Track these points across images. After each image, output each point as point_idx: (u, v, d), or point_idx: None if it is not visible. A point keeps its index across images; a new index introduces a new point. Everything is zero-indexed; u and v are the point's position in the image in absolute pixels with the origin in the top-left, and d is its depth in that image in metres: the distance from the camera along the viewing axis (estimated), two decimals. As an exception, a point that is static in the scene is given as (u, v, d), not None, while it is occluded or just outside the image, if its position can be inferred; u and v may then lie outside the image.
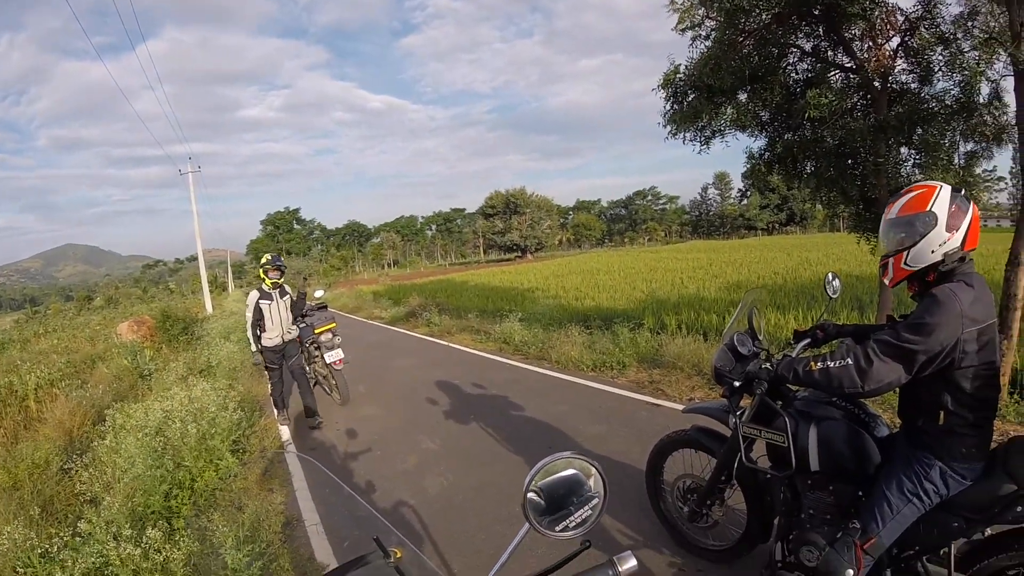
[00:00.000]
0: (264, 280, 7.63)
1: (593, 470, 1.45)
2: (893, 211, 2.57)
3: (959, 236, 2.43)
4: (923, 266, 2.51)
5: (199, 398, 6.86)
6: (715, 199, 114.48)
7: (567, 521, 1.41)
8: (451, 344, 13.71)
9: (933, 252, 2.46)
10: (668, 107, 8.05)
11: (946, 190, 2.46)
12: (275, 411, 8.17)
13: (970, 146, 7.05)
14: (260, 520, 4.78)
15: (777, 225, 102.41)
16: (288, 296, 7.80)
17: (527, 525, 1.38)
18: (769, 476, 3.20)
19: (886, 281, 2.69)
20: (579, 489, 1.44)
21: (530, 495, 1.38)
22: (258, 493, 5.51)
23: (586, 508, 1.43)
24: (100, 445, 6.03)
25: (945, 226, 2.43)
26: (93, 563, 3.83)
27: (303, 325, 8.33)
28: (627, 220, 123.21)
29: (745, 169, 8.74)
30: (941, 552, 2.64)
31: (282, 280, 7.76)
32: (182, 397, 6.90)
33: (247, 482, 5.71)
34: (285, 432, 7.71)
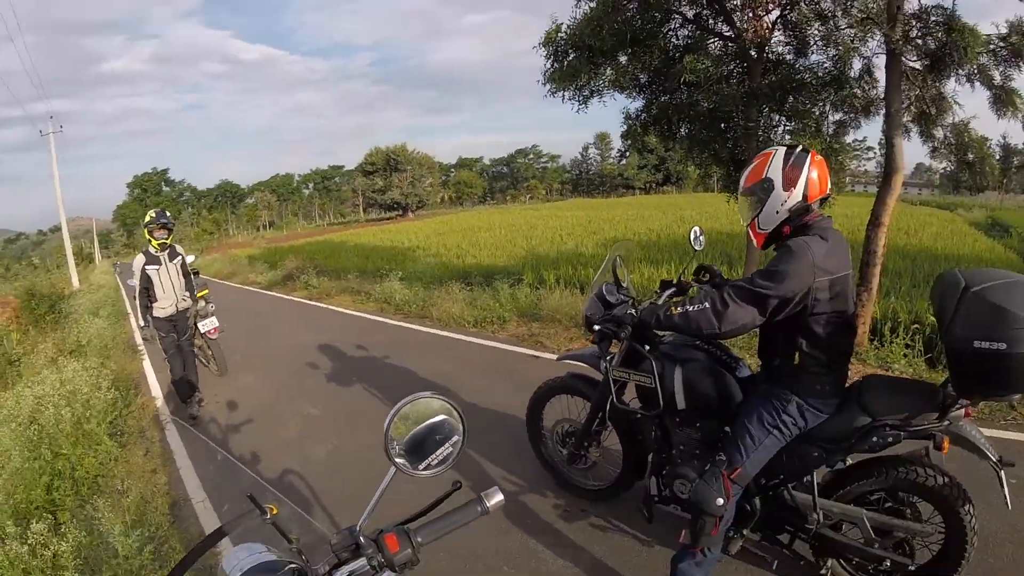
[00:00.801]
0: (150, 242, 6.63)
1: (451, 408, 1.49)
2: (742, 183, 2.78)
3: (799, 191, 2.61)
4: (773, 226, 2.70)
5: (71, 380, 6.46)
6: (595, 159, 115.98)
7: (429, 459, 1.46)
8: (331, 306, 13.48)
9: (778, 212, 2.66)
10: (548, 65, 8.08)
11: (779, 153, 2.66)
12: (184, 403, 6.98)
13: (839, 116, 7.48)
14: (146, 503, 4.60)
15: (654, 185, 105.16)
16: (180, 258, 6.85)
17: (393, 468, 1.42)
18: (640, 416, 3.39)
19: (755, 245, 2.89)
20: (439, 428, 1.48)
21: (391, 437, 1.41)
22: (142, 475, 5.27)
23: (447, 446, 1.48)
24: (-29, 442, 5.57)
25: (782, 186, 2.61)
26: (-20, 568, 3.59)
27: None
28: (509, 178, 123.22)
29: (623, 129, 8.94)
30: (805, 480, 2.89)
31: (170, 240, 6.77)
32: (53, 380, 6.48)
33: (129, 465, 5.45)
34: (164, 409, 7.28)
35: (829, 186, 2.72)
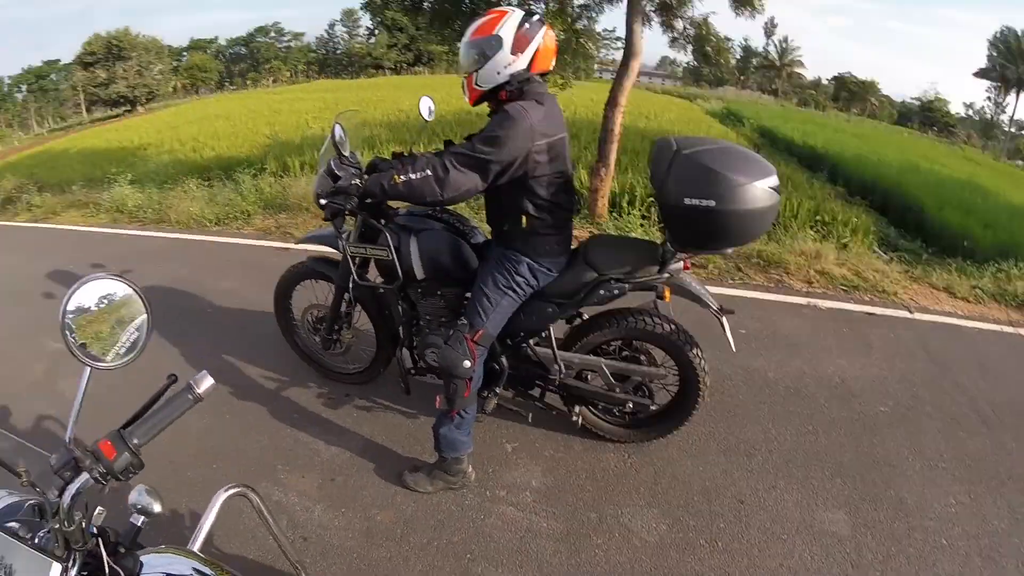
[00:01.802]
0: None
1: (125, 286, 1.40)
2: (468, 34, 2.68)
3: (525, 58, 2.60)
4: (491, 86, 2.67)
5: None
6: (343, 37, 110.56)
7: (117, 347, 1.36)
8: (58, 225, 11.95)
9: (499, 73, 2.62)
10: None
11: (516, 15, 2.60)
12: None
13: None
14: None
15: (405, 65, 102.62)
16: None
17: (86, 369, 1.31)
18: (383, 291, 3.37)
19: (466, 99, 2.84)
20: (120, 311, 1.38)
21: (66, 331, 1.30)
22: None
23: (130, 329, 1.39)
24: None
25: (510, 49, 2.57)
26: None
27: None
28: (249, 60, 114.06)
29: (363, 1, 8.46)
30: (544, 335, 3.09)
31: None
32: None
33: None
34: None
35: (552, 64, 2.73)
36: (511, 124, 2.50)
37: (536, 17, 2.66)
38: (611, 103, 6.97)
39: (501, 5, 7.01)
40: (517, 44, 2.58)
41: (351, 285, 3.42)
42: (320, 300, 3.91)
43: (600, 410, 3.39)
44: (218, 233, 8.33)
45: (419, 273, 3.10)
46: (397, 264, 3.07)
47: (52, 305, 5.98)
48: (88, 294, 1.34)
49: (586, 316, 3.20)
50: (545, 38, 2.65)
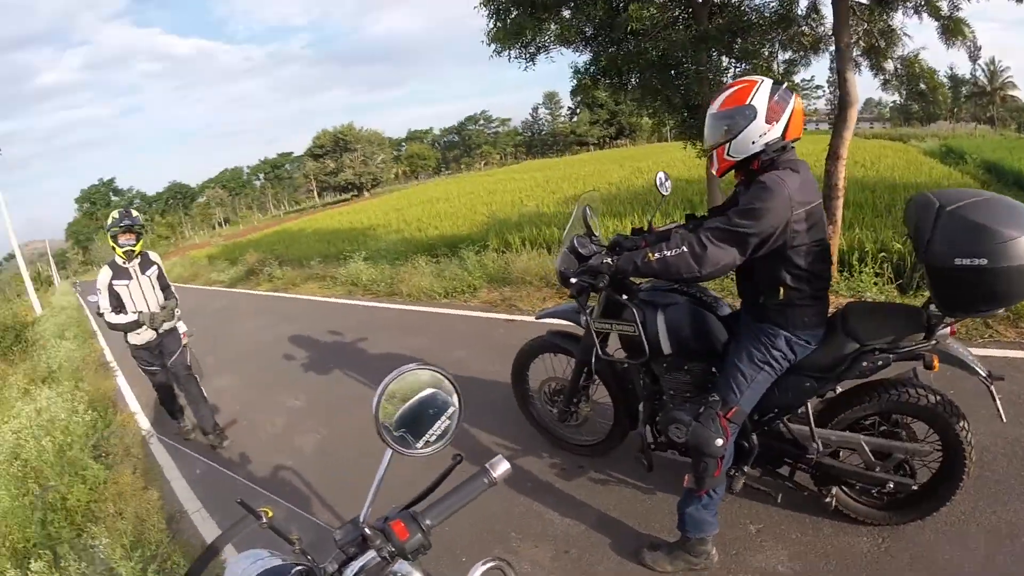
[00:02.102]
0: (115, 250, 5.26)
1: (442, 377, 1.41)
2: (715, 105, 2.70)
3: (779, 127, 2.58)
4: (745, 156, 2.65)
5: (46, 408, 6.16)
6: (546, 118, 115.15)
7: (427, 436, 1.38)
8: (298, 295, 13.31)
9: (754, 143, 2.60)
10: (491, 25, 7.96)
11: (766, 84, 2.59)
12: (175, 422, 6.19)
13: (788, 55, 7.47)
14: (143, 522, 4.46)
15: (608, 139, 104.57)
16: (155, 267, 5.49)
17: (389, 450, 1.34)
18: (627, 365, 3.39)
19: (713, 171, 2.85)
20: (432, 400, 1.40)
21: (383, 417, 1.32)
22: (133, 494, 5.05)
23: (443, 418, 1.40)
24: (-45, 488, 5.34)
25: (765, 118, 2.56)
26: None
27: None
28: (461, 146, 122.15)
29: (572, 85, 8.84)
30: (799, 412, 2.93)
31: (140, 246, 5.37)
32: (29, 411, 6.19)
33: (119, 486, 5.19)
34: (144, 422, 7.01)
35: (803, 130, 2.70)
36: (769, 195, 2.47)
37: (785, 85, 2.65)
38: (831, 156, 6.64)
39: (700, 69, 7.10)
40: (771, 113, 2.56)
41: (594, 360, 3.46)
42: (557, 373, 4.01)
43: (856, 491, 3.12)
44: (447, 305, 8.84)
45: (666, 348, 3.09)
46: (644, 339, 3.09)
47: (292, 367, 6.76)
48: (404, 382, 1.36)
49: (839, 389, 3.00)
50: (796, 105, 2.63)
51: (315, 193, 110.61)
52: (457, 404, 1.42)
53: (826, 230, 2.70)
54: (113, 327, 5.28)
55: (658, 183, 3.46)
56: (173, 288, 5.71)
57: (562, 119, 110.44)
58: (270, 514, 1.39)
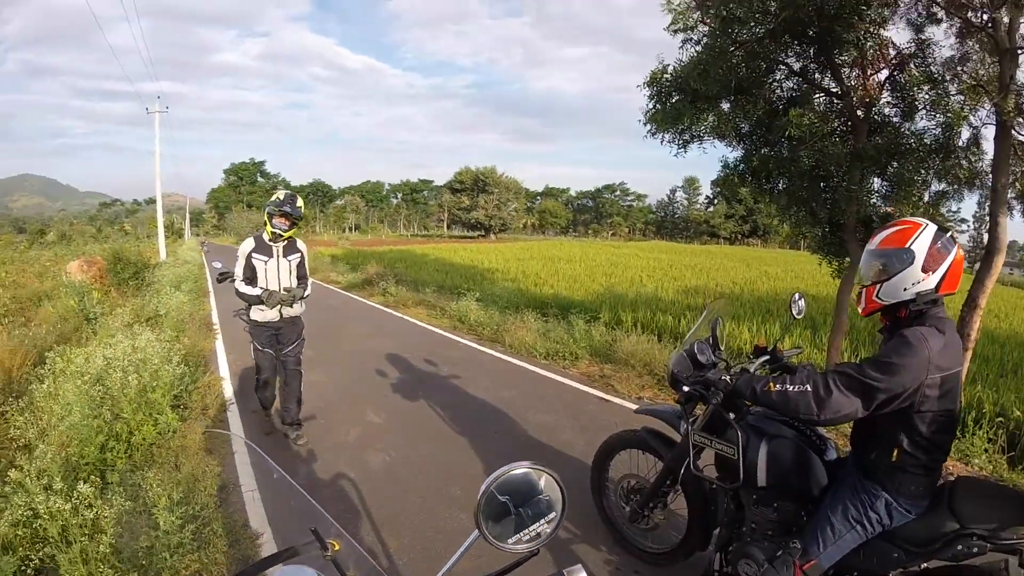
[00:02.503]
0: (266, 227, 5.51)
1: (554, 483, 1.37)
2: (875, 242, 2.58)
3: (935, 278, 2.44)
4: (894, 301, 2.52)
5: (143, 348, 6.47)
6: (682, 202, 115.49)
7: (521, 534, 1.34)
8: (405, 316, 13.63)
9: (906, 290, 2.47)
10: (651, 106, 7.98)
11: (930, 229, 2.46)
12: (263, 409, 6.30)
13: (942, 186, 7.16)
14: (196, 481, 4.59)
15: (740, 236, 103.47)
16: (298, 256, 5.69)
17: (476, 532, 1.31)
18: (715, 486, 3.24)
19: (859, 309, 2.71)
20: (536, 501, 1.36)
21: (484, 503, 1.30)
22: (196, 452, 5.28)
23: (542, 522, 1.36)
24: (38, 389, 5.74)
25: (921, 266, 2.43)
26: (22, 515, 3.61)
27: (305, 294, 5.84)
28: (593, 212, 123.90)
29: (718, 177, 8.76)
30: None
31: (290, 233, 5.57)
32: (125, 346, 6.48)
33: (186, 440, 5.46)
34: (228, 390, 7.34)
35: (958, 287, 2.54)
36: (908, 352, 2.32)
37: (949, 233, 2.49)
38: (969, 304, 6.23)
39: (851, 188, 6.82)
40: (929, 261, 2.42)
41: (683, 470, 3.33)
42: (640, 471, 3.88)
43: None
44: (545, 367, 8.79)
45: (761, 480, 2.91)
46: (741, 465, 2.93)
47: (381, 382, 7.07)
48: (513, 477, 1.33)
49: (924, 566, 2.73)
50: (957, 256, 2.46)
51: (445, 224, 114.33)
52: (560, 512, 1.39)
53: (958, 401, 2.51)
54: (239, 295, 5.58)
55: (792, 303, 3.33)
56: (310, 281, 5.90)
57: (698, 206, 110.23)
58: (336, 548, 1.39)
